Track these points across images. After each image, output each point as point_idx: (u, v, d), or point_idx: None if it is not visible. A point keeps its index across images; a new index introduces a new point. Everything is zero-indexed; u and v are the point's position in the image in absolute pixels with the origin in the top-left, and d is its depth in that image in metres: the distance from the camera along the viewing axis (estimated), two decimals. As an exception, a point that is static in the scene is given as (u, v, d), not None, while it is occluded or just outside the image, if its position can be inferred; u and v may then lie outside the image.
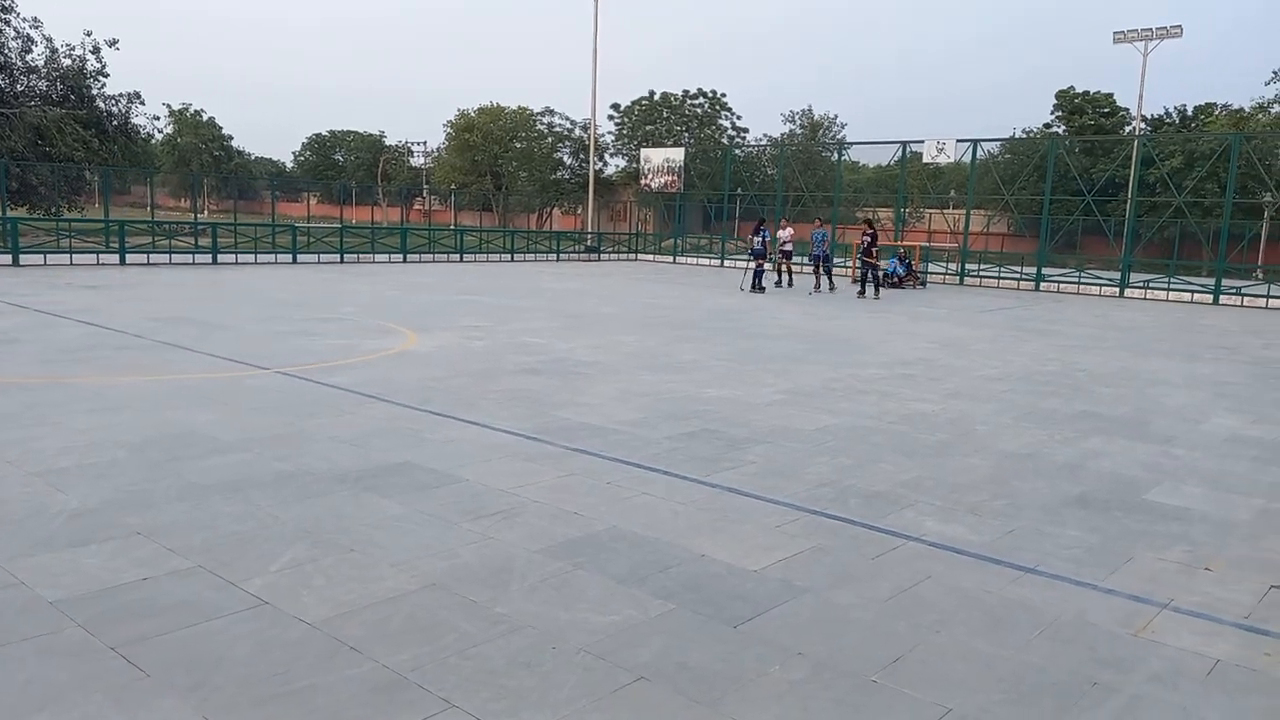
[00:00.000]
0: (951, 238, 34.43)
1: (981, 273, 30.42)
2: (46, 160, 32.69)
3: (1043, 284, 28.56)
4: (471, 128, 64.99)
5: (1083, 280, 28.60)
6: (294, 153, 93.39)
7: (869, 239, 21.89)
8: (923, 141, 30.73)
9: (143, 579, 3.97)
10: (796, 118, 64.17)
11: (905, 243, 30.52)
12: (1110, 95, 53.54)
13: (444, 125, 68.80)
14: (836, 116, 64.29)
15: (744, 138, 60.12)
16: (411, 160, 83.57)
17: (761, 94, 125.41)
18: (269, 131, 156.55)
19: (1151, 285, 27.37)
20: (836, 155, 38.25)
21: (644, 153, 42.35)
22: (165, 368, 9.00)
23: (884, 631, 3.79)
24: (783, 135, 60.81)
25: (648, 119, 60.41)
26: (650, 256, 38.22)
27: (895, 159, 32.57)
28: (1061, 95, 54.68)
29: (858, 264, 23.08)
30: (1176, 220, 35.44)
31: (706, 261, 35.65)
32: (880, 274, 22.57)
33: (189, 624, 3.56)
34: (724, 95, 60.53)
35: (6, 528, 4.49)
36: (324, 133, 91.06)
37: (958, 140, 30.10)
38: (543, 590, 4.03)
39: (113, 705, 2.97)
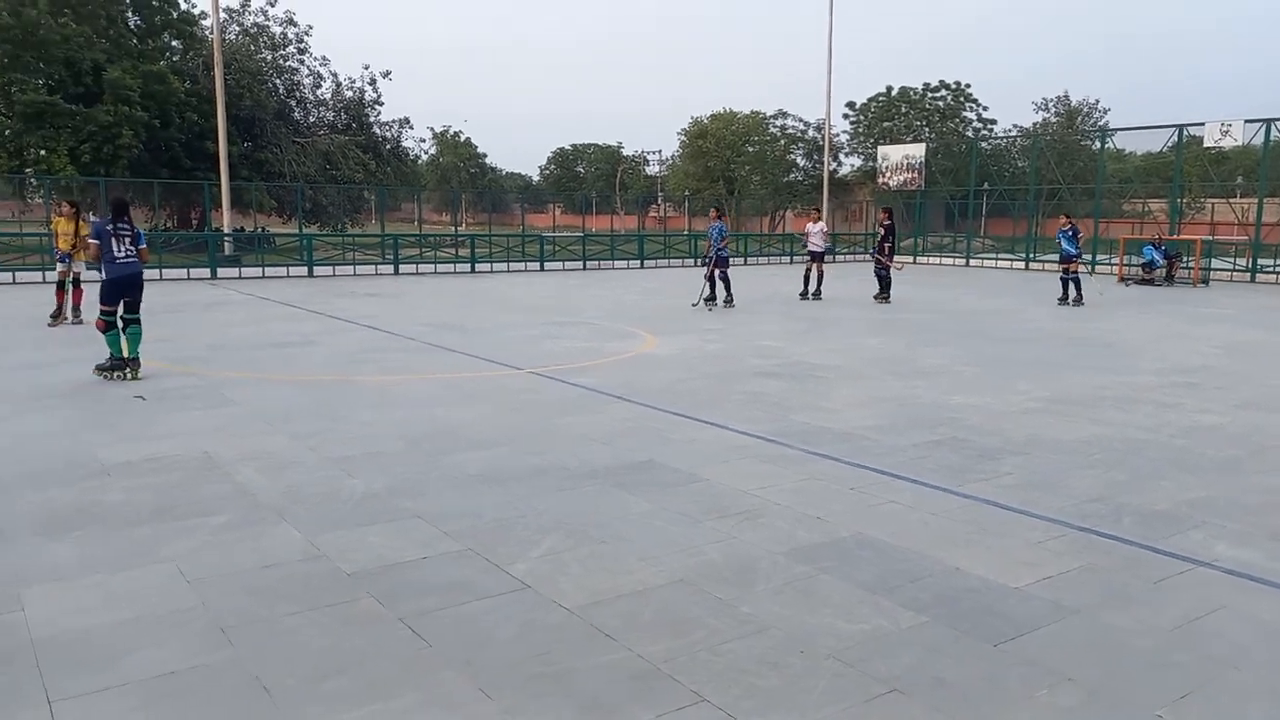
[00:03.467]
0: (1240, 230, 30.57)
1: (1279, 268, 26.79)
2: (333, 182, 36.79)
3: (1358, 280, 24.70)
4: (704, 134, 65.89)
5: None
6: (540, 167, 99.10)
7: (885, 229, 18.27)
8: (1203, 124, 27.54)
9: (422, 558, 4.37)
10: (1050, 105, 59.60)
11: (1184, 235, 27.50)
12: None
13: (678, 133, 70.16)
14: (1098, 101, 59.04)
15: (991, 130, 56.66)
16: (647, 169, 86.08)
17: (1010, 82, 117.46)
18: (517, 148, 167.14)
19: None
20: (1099, 143, 35.16)
21: (881, 150, 41.06)
22: (434, 368, 9.85)
23: (1168, 663, 3.43)
24: (1035, 125, 56.66)
25: (885, 116, 58.47)
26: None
27: (1169, 145, 29.43)
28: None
29: (877, 259, 18.35)
30: None
31: (950, 261, 33.97)
32: (888, 273, 17.94)
33: (462, 602, 3.87)
34: (968, 86, 57.37)
35: (308, 507, 5.09)
36: (566, 147, 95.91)
37: (1246, 121, 26.71)
38: (787, 593, 4.01)
39: (402, 672, 3.28)
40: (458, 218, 50.80)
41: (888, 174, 38.46)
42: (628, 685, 3.19)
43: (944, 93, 57.86)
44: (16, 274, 20.46)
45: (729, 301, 16.41)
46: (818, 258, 18.61)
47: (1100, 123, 55.40)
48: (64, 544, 4.46)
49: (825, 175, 42.66)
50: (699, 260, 22.63)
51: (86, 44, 29.98)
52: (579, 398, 8.28)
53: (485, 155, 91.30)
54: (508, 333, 12.86)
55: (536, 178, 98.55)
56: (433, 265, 26.96)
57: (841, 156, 60.94)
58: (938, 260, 34.62)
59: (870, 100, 59.22)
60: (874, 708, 3.07)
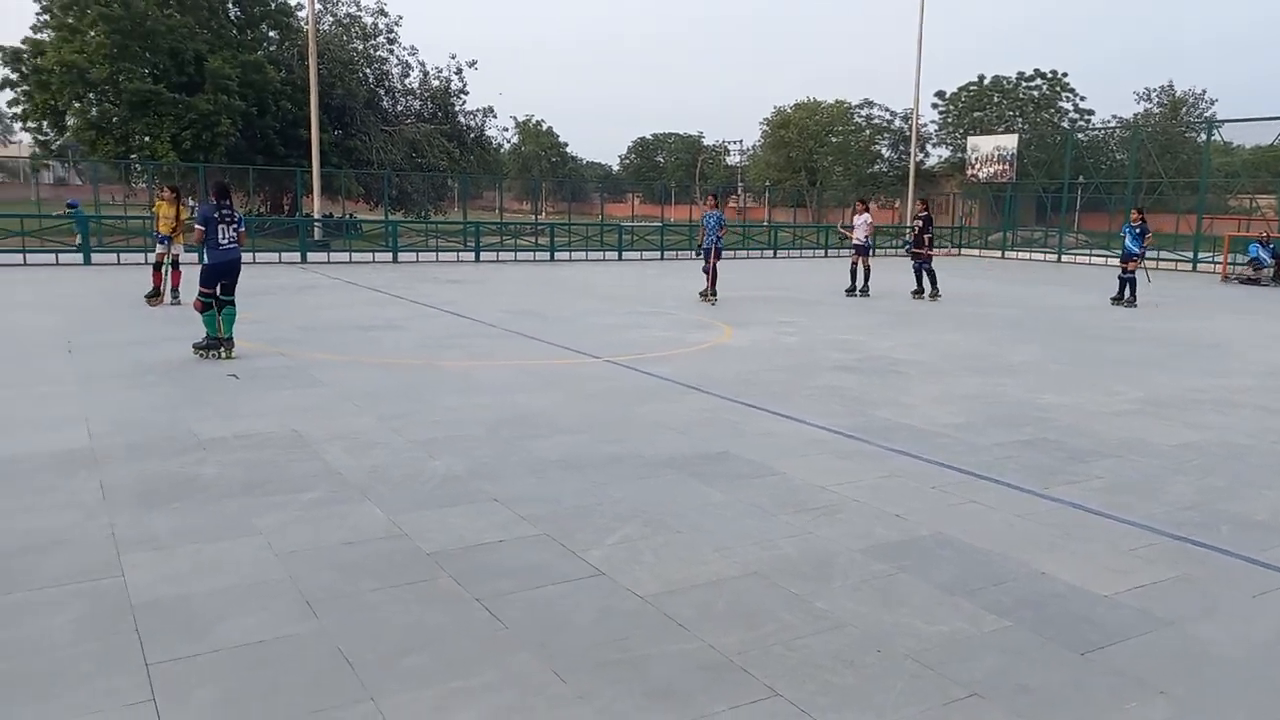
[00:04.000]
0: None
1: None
2: (418, 170, 37.54)
3: None
4: (787, 124, 65.16)
5: None
6: (620, 156, 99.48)
7: (922, 220, 17.31)
8: (1320, 114, 25.97)
9: (500, 540, 4.44)
10: (1153, 95, 57.20)
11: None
12: None
13: (760, 123, 69.62)
14: (1204, 92, 56.40)
15: (1088, 120, 54.64)
16: (727, 159, 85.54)
17: (1111, 72, 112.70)
18: (598, 138, 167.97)
19: None
20: (1204, 135, 33.55)
21: (971, 141, 39.96)
22: (514, 354, 9.98)
23: (1264, 680, 3.27)
24: (1136, 116, 54.44)
25: (976, 105, 56.90)
26: (975, 251, 35.99)
27: (1281, 137, 27.91)
28: None
29: (915, 254, 17.41)
30: None
31: (1040, 256, 32.89)
32: (929, 268, 16.92)
33: (538, 585, 3.92)
34: (1065, 75, 55.43)
35: (391, 487, 5.22)
36: (647, 136, 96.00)
37: (1370, 110, 25.08)
38: (865, 590, 3.95)
39: (480, 651, 3.35)
40: (538, 206, 51.35)
41: (977, 165, 37.43)
42: (700, 675, 3.19)
43: (1039, 82, 56.03)
44: (121, 255, 21.45)
45: (710, 294, 15.43)
46: (862, 252, 17.59)
47: (1207, 114, 52.89)
48: (162, 514, 4.67)
49: (912, 166, 41.72)
50: (695, 251, 20.61)
51: (190, 35, 31.18)
52: (656, 387, 8.30)
53: (566, 144, 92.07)
54: (586, 321, 12.95)
55: (616, 167, 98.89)
56: (513, 253, 27.30)
57: (929, 147, 59.56)
58: (1027, 255, 33.55)
59: (961, 89, 57.74)
60: (953, 711, 3.00)
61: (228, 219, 9.06)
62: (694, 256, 16.16)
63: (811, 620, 3.64)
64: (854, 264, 17.66)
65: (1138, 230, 16.60)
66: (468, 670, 3.20)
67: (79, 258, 20.62)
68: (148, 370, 8.45)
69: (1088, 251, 32.50)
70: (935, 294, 16.92)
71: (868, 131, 62.70)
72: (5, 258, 20.11)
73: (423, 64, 42.54)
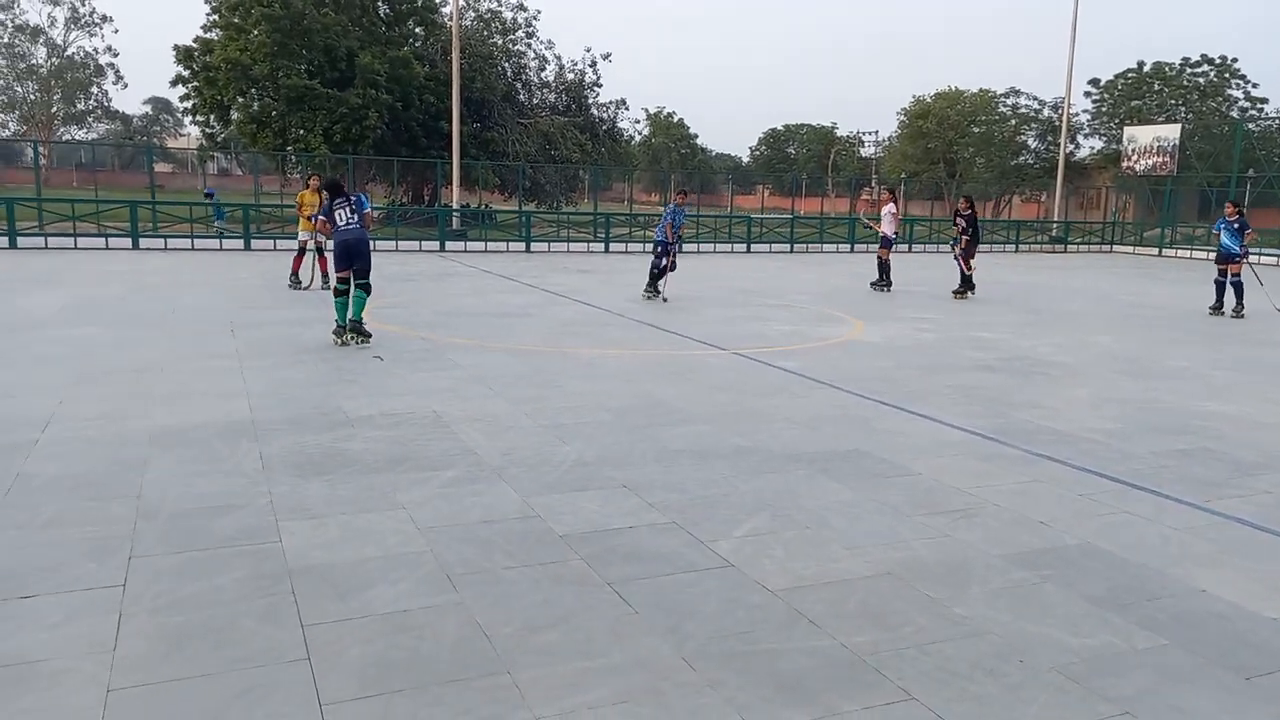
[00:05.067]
0: None
1: None
2: (552, 162, 38.29)
3: None
4: (926, 114, 63.00)
5: None
6: (750, 147, 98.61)
7: (965, 220, 15.78)
8: None
9: (629, 526, 4.49)
10: (1338, 81, 52.35)
11: None
12: None
13: (897, 113, 67.59)
14: (1399, 75, 51.21)
15: (1260, 110, 50.52)
16: (861, 150, 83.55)
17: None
18: (729, 129, 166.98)
19: None
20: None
21: (1128, 131, 37.66)
22: (640, 344, 10.07)
23: None
24: (1317, 104, 50.03)
25: (1133, 94, 53.48)
26: (1129, 248, 33.91)
27: None
28: None
29: (958, 255, 15.94)
30: None
31: (1201, 254, 30.69)
32: (970, 268, 15.46)
33: (666, 573, 3.96)
34: (1234, 61, 51.39)
35: (526, 469, 5.36)
36: (778, 127, 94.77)
37: None
38: (1005, 598, 3.80)
39: (609, 633, 3.40)
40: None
41: (1133, 157, 35.26)
42: (830, 673, 3.15)
43: (1205, 68, 52.19)
44: (278, 241, 22.81)
45: (654, 290, 14.02)
46: (886, 244, 16.61)
47: (1401, 100, 48.06)
48: (315, 484, 4.95)
49: (1061, 158, 39.60)
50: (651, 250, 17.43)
51: (343, 32, 32.76)
52: (783, 381, 8.21)
53: (696, 136, 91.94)
54: (712, 312, 12.93)
55: (746, 159, 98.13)
56: (641, 244, 27.50)
57: (1079, 138, 56.44)
58: (1188, 253, 31.37)
59: (1117, 77, 54.43)
60: (1100, 729, 2.86)
61: (342, 206, 9.15)
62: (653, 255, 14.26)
63: (948, 625, 3.53)
64: (881, 258, 16.69)
65: (1235, 225, 14.28)
66: (597, 651, 3.26)
67: (240, 243, 22.05)
68: (300, 350, 8.96)
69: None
70: (961, 292, 15.60)
71: (1013, 121, 59.94)
72: (175, 243, 21.73)
73: (559, 57, 43.19)
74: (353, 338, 9.23)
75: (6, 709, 2.79)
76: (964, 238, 15.64)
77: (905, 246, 30.89)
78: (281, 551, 4.04)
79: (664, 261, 13.81)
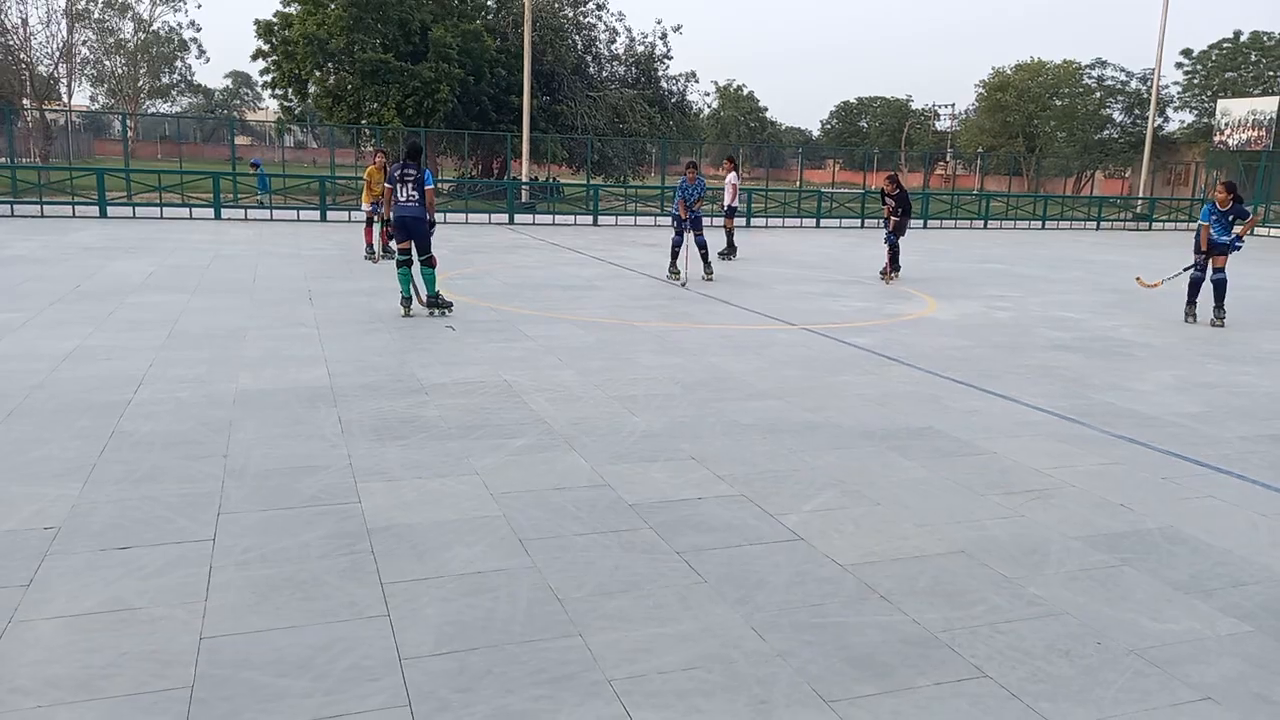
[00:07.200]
0: None
1: None
2: (620, 135, 38.23)
3: None
4: (1006, 86, 61.09)
5: None
6: (821, 121, 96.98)
7: (894, 200, 14.21)
8: None
9: (698, 498, 4.52)
10: None
11: None
12: None
13: (975, 85, 65.67)
14: None
15: (1367, 80, 47.77)
16: (936, 124, 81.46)
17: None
18: (800, 101, 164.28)
19: None
20: None
21: (1222, 105, 35.99)
22: (709, 318, 10.05)
23: None
24: None
25: (1229, 65, 51.03)
26: (1216, 227, 32.50)
27: None
28: None
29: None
30: None
31: (1295, 234, 29.29)
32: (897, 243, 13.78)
33: (735, 544, 3.97)
34: (1342, 27, 48.58)
35: (596, 439, 5.42)
36: (851, 100, 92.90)
37: None
38: (1083, 580, 3.72)
39: (678, 601, 3.44)
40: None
41: (1226, 131, 33.72)
42: (901, 648, 3.13)
43: (1308, 36, 49.46)
44: (352, 213, 23.29)
45: (675, 270, 13.20)
46: (730, 214, 16.45)
47: None
48: (392, 449, 5.08)
49: (1149, 132, 38.00)
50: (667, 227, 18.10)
51: (417, 6, 33.09)
52: (853, 357, 8.12)
53: (766, 109, 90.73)
54: (781, 288, 12.81)
55: (816, 132, 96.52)
56: (708, 218, 27.34)
57: (1169, 111, 54.15)
58: (1280, 232, 29.96)
59: (1211, 47, 52.01)
60: (1181, 714, 2.80)
61: (408, 179, 9.22)
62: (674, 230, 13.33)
63: (1023, 605, 3.48)
64: (727, 227, 16.56)
65: (1230, 217, 10.83)
66: (668, 617, 3.30)
67: (316, 214, 22.57)
68: (378, 318, 9.16)
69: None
70: (886, 273, 14.23)
71: (1098, 94, 57.75)
72: (253, 213, 22.34)
73: (629, 29, 43.07)
74: (434, 312, 9.39)
75: (108, 652, 2.95)
76: (893, 219, 14.22)
77: (982, 223, 30.13)
78: (361, 512, 4.17)
79: (681, 239, 13.13)
